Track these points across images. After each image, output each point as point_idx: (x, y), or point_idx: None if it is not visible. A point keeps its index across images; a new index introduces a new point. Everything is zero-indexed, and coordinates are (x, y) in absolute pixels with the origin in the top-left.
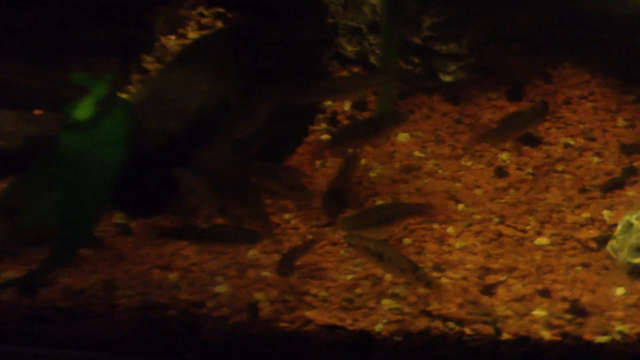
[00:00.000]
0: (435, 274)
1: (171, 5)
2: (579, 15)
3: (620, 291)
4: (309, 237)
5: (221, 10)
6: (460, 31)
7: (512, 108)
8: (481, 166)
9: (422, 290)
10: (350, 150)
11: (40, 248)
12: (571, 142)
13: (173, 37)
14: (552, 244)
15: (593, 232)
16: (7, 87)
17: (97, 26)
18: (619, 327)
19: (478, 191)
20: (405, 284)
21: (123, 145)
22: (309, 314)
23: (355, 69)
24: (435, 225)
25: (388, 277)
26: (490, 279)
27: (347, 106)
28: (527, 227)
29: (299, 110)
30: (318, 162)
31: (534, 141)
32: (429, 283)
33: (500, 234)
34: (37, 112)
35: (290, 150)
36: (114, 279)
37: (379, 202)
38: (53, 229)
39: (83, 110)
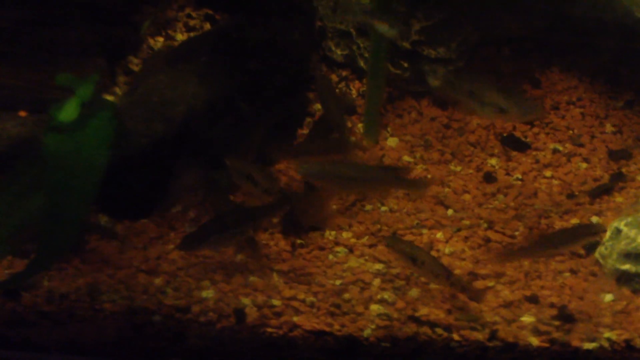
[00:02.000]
0: (423, 279)
1: (159, 6)
2: (569, 19)
3: (608, 298)
4: (298, 241)
5: (209, 11)
6: (449, 35)
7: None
8: (470, 171)
9: (459, 295)
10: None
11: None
12: (559, 147)
13: (161, 39)
14: None
15: None
16: None
17: (83, 26)
18: (607, 334)
19: (467, 196)
20: (394, 290)
21: (108, 148)
22: (296, 319)
23: (344, 73)
24: (425, 231)
25: (376, 282)
26: (479, 284)
27: None
28: (516, 233)
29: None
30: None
31: (523, 146)
32: (464, 288)
33: (488, 240)
34: (22, 113)
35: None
36: (99, 283)
37: (368, 206)
38: (37, 231)
39: (68, 112)
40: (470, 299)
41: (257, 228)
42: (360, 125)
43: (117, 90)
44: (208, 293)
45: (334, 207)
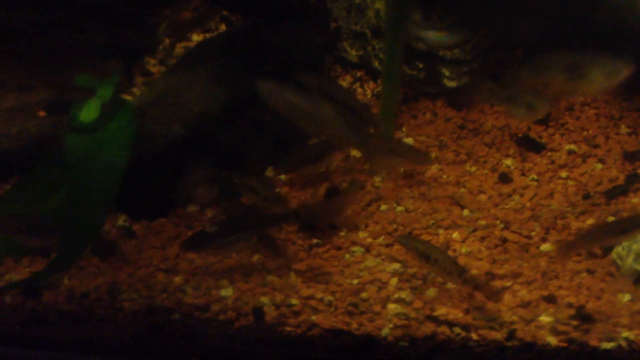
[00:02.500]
0: (440, 279)
1: (174, 8)
2: (591, 23)
3: (625, 298)
4: (314, 241)
5: (225, 13)
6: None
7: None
8: (485, 172)
9: (477, 295)
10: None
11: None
12: (575, 148)
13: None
14: (557, 250)
15: None
16: (12, 89)
17: (101, 28)
18: (625, 334)
19: (482, 197)
20: (411, 289)
21: (128, 148)
22: (314, 318)
23: (359, 73)
24: (441, 231)
25: (393, 282)
26: (496, 284)
27: None
28: (532, 233)
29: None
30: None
31: (538, 147)
32: (477, 286)
33: (505, 240)
34: (41, 113)
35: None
36: (118, 282)
37: (383, 206)
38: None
39: (89, 113)
40: (487, 298)
41: (263, 235)
42: None
43: (135, 91)
44: (227, 292)
45: (350, 207)
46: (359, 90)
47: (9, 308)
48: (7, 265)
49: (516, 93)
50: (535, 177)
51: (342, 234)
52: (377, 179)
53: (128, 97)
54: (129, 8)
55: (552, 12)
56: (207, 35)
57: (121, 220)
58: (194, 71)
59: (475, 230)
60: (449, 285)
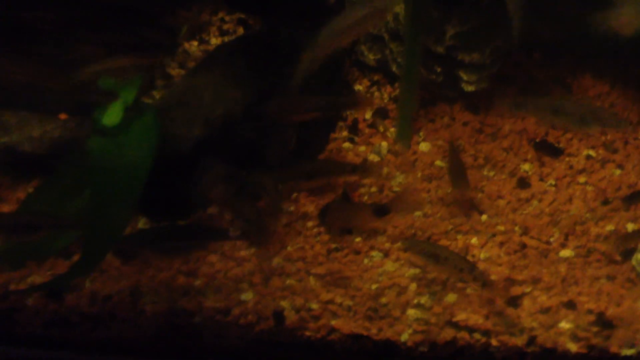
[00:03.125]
0: (459, 285)
1: (193, 10)
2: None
3: None
4: (332, 245)
5: (242, 16)
6: (483, 41)
7: (533, 118)
8: (503, 177)
9: (478, 289)
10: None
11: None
12: (593, 153)
13: (195, 43)
14: (576, 256)
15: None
16: (31, 89)
17: (122, 30)
18: None
19: (501, 202)
20: (430, 294)
21: (151, 151)
22: (334, 322)
23: (376, 77)
24: (459, 236)
25: (413, 287)
26: (516, 290)
27: (368, 114)
28: (551, 239)
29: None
30: None
31: (556, 152)
32: (485, 283)
33: (524, 245)
34: (62, 116)
35: (312, 157)
36: (140, 284)
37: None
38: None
39: (112, 116)
40: (497, 295)
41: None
42: (392, 129)
43: (155, 94)
44: (247, 295)
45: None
46: (376, 94)
47: (32, 310)
48: (30, 268)
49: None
50: (554, 182)
51: (358, 239)
52: (394, 183)
53: (149, 100)
54: (148, 9)
55: (571, 15)
56: (226, 39)
57: (142, 223)
58: (214, 74)
59: (494, 235)
60: (469, 290)
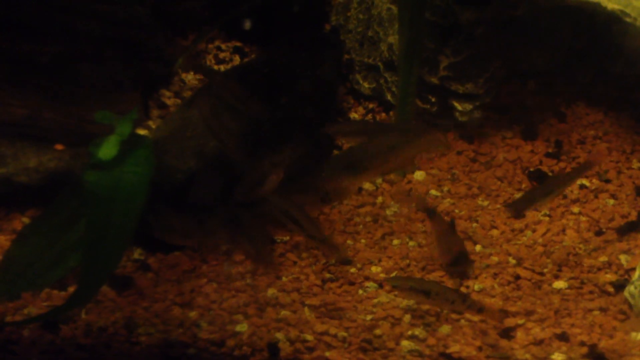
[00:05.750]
0: (453, 316)
1: (194, 41)
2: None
3: (639, 336)
4: (327, 275)
5: (238, 44)
6: (477, 71)
7: (527, 147)
8: (497, 206)
9: (476, 317)
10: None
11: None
12: (587, 183)
13: (192, 72)
14: (569, 287)
15: (610, 276)
16: (29, 120)
17: (117, 61)
18: None
19: (495, 232)
20: (424, 326)
21: (146, 184)
22: (328, 354)
23: (371, 105)
24: (453, 267)
25: (407, 318)
26: (509, 322)
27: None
28: (545, 270)
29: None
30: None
31: None
32: (481, 309)
33: (517, 277)
34: (59, 146)
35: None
36: (135, 316)
37: (395, 241)
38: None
39: (107, 149)
40: (491, 319)
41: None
42: None
43: (151, 124)
44: (242, 327)
45: (363, 241)
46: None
47: (28, 341)
48: (25, 299)
49: None
50: (547, 212)
51: (353, 270)
52: (389, 212)
53: (144, 131)
54: (144, 39)
55: (565, 43)
56: (222, 67)
57: (137, 254)
58: (210, 104)
59: (488, 266)
60: (463, 322)
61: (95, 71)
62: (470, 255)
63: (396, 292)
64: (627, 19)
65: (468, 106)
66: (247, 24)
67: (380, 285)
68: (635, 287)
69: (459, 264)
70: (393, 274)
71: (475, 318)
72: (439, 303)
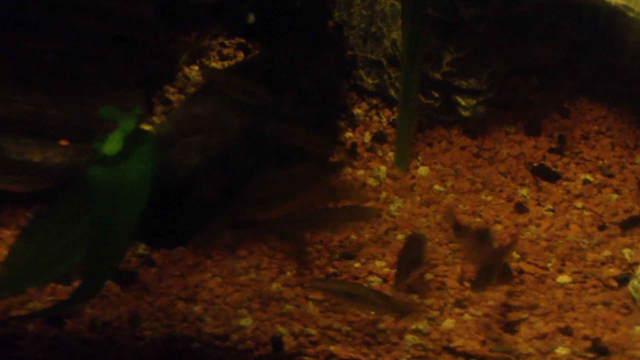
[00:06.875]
0: (457, 310)
1: (197, 37)
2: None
3: None
4: (331, 270)
5: (242, 40)
6: (480, 67)
7: (531, 142)
8: (501, 201)
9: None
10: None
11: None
12: (590, 178)
13: (195, 68)
14: (573, 281)
15: (613, 271)
16: (33, 116)
17: (121, 58)
18: None
19: (498, 227)
20: (428, 320)
21: (150, 179)
22: (332, 348)
23: (374, 101)
24: (457, 261)
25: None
26: (513, 316)
27: (367, 138)
28: (548, 265)
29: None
30: None
31: (553, 176)
32: (404, 312)
33: (521, 271)
34: (63, 142)
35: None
36: (139, 310)
37: (399, 235)
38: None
39: (112, 145)
40: (502, 328)
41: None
42: (391, 153)
43: (155, 119)
44: (246, 321)
45: (367, 236)
46: (375, 117)
47: (33, 336)
48: (30, 294)
49: None
50: (551, 207)
51: (357, 264)
52: (392, 207)
53: (148, 127)
54: (147, 36)
55: (568, 39)
56: (226, 63)
57: (141, 249)
58: (214, 100)
59: None
60: (466, 316)
61: (98, 68)
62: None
63: (400, 287)
64: (631, 14)
65: (471, 101)
66: (251, 20)
67: (385, 280)
68: (639, 282)
69: (489, 275)
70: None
71: (473, 310)
72: (362, 305)
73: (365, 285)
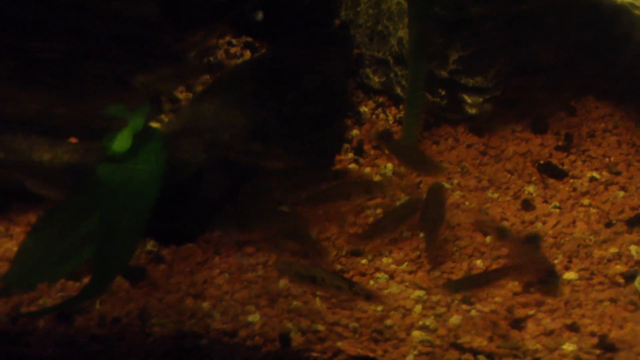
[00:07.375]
0: (464, 307)
1: (204, 36)
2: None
3: None
4: (338, 266)
5: (249, 39)
6: (486, 65)
7: (537, 140)
8: (507, 198)
9: (362, 303)
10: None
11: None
12: (597, 175)
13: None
14: (580, 278)
15: (620, 268)
16: (42, 115)
17: (128, 57)
18: None
19: (505, 224)
20: (435, 316)
21: (159, 176)
22: (340, 344)
23: (381, 99)
24: (464, 258)
25: (417, 309)
26: (520, 312)
27: (373, 135)
28: (555, 261)
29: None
30: None
31: (560, 174)
32: (369, 296)
33: None
34: (72, 139)
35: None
36: (149, 307)
37: (406, 232)
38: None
39: (121, 143)
40: (509, 324)
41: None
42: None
43: (163, 117)
44: (254, 317)
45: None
46: (382, 115)
47: (43, 332)
48: (40, 290)
49: None
50: (558, 204)
51: (364, 261)
52: (399, 204)
53: (156, 125)
54: (155, 35)
55: (572, 37)
56: (232, 63)
57: (150, 246)
58: (221, 98)
59: (498, 257)
60: (473, 312)
61: (105, 68)
62: (555, 269)
63: (407, 283)
64: (637, 12)
65: (478, 99)
66: (259, 18)
67: (391, 276)
68: None
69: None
70: (404, 265)
71: (480, 307)
72: (325, 289)
73: (328, 270)
